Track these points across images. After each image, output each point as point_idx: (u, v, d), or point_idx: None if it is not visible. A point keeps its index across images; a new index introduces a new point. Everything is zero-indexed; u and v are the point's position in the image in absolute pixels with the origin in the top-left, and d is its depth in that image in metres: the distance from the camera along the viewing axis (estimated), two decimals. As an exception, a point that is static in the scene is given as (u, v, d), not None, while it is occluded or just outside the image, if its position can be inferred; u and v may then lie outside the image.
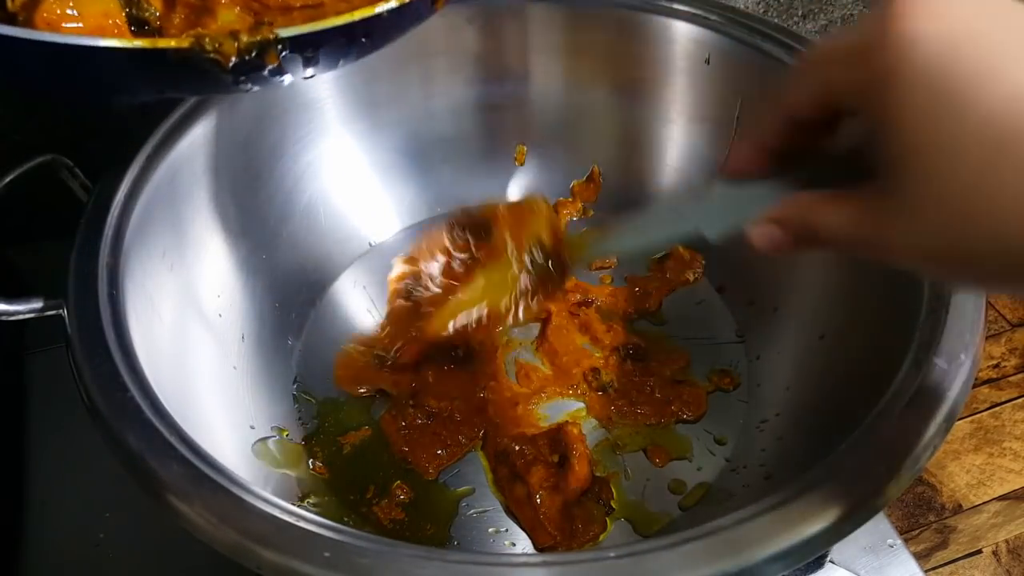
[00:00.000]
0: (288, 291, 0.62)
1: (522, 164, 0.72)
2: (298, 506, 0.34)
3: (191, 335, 0.51)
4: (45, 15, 0.29)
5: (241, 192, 0.58)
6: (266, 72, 0.30)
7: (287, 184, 0.62)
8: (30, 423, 0.61)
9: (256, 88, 0.32)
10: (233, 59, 0.29)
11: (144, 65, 0.29)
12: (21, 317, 0.42)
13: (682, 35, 0.61)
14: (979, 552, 0.89)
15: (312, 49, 0.31)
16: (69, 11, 0.29)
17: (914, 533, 0.90)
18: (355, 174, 0.67)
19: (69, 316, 0.41)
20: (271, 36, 0.29)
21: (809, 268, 0.57)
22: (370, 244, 0.69)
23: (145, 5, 0.31)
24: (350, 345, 0.61)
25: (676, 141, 0.66)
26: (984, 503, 0.93)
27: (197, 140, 0.52)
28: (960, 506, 0.93)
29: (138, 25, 0.31)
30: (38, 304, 0.42)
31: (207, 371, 0.51)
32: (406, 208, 0.70)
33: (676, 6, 0.60)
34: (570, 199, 0.71)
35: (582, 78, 0.67)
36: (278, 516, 0.33)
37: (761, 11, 0.94)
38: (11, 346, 0.65)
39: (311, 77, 0.33)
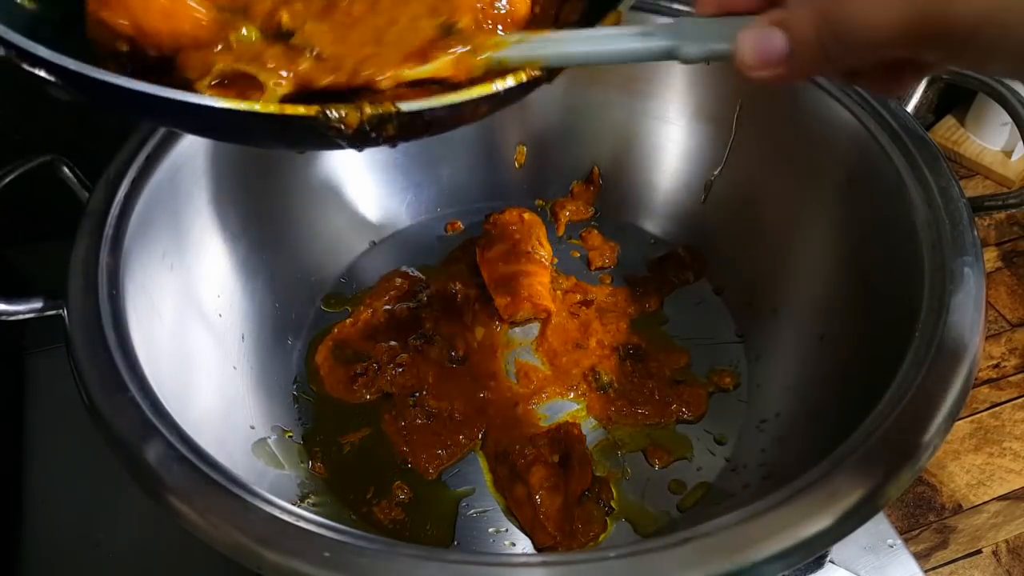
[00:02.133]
0: (288, 291, 0.62)
1: (522, 164, 0.72)
2: (298, 506, 0.34)
3: (191, 335, 0.51)
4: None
5: (241, 192, 0.58)
6: (379, 140, 0.31)
7: (287, 184, 0.62)
8: (30, 423, 0.61)
9: (351, 148, 0.33)
10: (352, 129, 0.29)
11: (268, 126, 0.30)
12: (21, 317, 0.42)
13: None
14: (979, 552, 0.89)
15: (424, 123, 0.31)
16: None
17: (914, 533, 0.90)
18: (355, 174, 0.67)
19: (69, 316, 0.41)
20: (393, 111, 0.29)
21: (809, 268, 0.57)
22: (370, 244, 0.69)
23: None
24: (325, 349, 0.61)
25: (676, 141, 0.66)
26: (984, 503, 0.93)
27: (197, 140, 0.52)
28: (960, 506, 0.93)
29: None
30: (38, 304, 0.42)
31: (207, 371, 0.51)
32: (406, 208, 0.70)
33: (676, 6, 0.60)
34: (570, 199, 0.71)
35: (582, 78, 0.67)
36: (278, 516, 0.33)
37: (761, 11, 0.94)
38: (11, 346, 0.65)
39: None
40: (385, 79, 0.31)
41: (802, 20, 0.25)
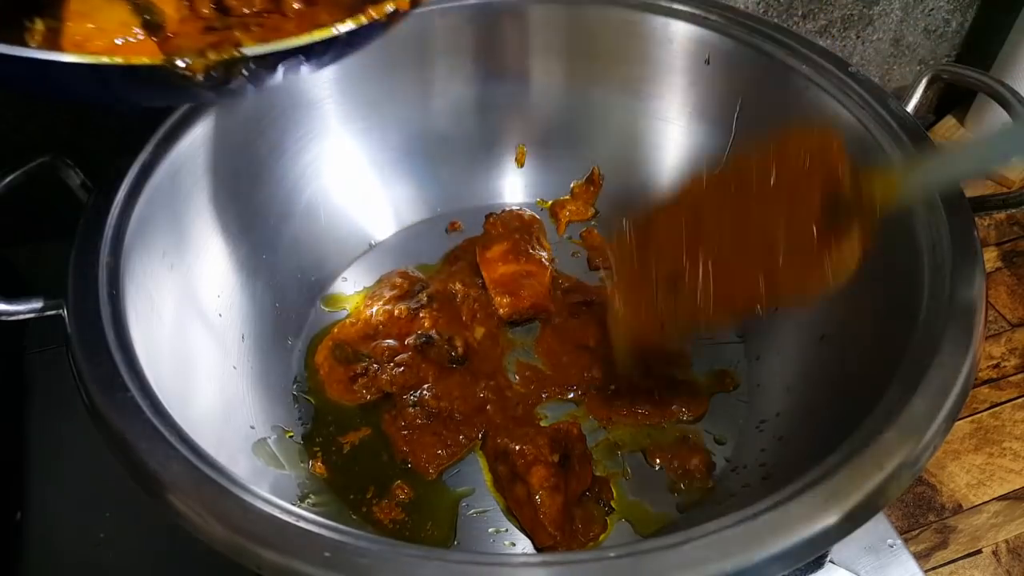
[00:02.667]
0: (288, 291, 0.62)
1: (522, 164, 0.72)
2: (298, 506, 0.34)
3: (191, 335, 0.51)
4: (74, 37, 0.30)
5: (241, 192, 0.58)
6: (232, 86, 0.32)
7: (287, 184, 0.62)
8: (30, 423, 0.61)
9: (225, 99, 0.34)
10: (200, 75, 0.31)
11: (122, 79, 0.31)
12: (21, 317, 0.42)
13: (682, 35, 0.61)
14: (979, 552, 0.89)
15: (274, 65, 0.32)
16: (90, 26, 0.31)
17: (914, 533, 0.90)
18: (355, 174, 0.67)
19: (69, 316, 0.41)
20: (236, 55, 0.31)
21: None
22: (370, 244, 0.69)
23: (156, 11, 0.33)
24: (325, 349, 0.61)
25: (676, 141, 0.66)
26: (984, 503, 0.93)
27: (197, 140, 0.52)
28: (960, 506, 0.93)
29: (153, 30, 0.33)
30: (38, 304, 0.42)
31: (207, 371, 0.51)
32: (406, 208, 0.70)
33: (676, 6, 0.60)
34: (570, 199, 0.71)
35: (582, 78, 0.67)
36: (278, 516, 0.33)
37: (761, 11, 0.94)
38: (11, 346, 0.65)
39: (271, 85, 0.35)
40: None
41: None
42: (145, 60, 0.29)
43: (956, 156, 0.35)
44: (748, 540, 0.32)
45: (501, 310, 0.61)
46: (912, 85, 0.53)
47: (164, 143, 0.50)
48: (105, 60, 0.29)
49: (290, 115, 0.61)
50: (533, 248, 0.64)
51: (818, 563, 0.48)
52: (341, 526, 0.33)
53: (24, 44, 0.31)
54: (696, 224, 0.43)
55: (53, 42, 0.31)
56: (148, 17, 0.33)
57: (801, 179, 0.39)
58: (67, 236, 0.45)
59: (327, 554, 0.31)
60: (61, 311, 0.42)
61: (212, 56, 0.30)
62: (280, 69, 0.33)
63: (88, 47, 0.31)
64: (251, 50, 0.31)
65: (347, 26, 0.33)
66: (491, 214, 0.68)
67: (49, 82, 0.32)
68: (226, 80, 0.32)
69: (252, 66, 0.31)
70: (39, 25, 0.31)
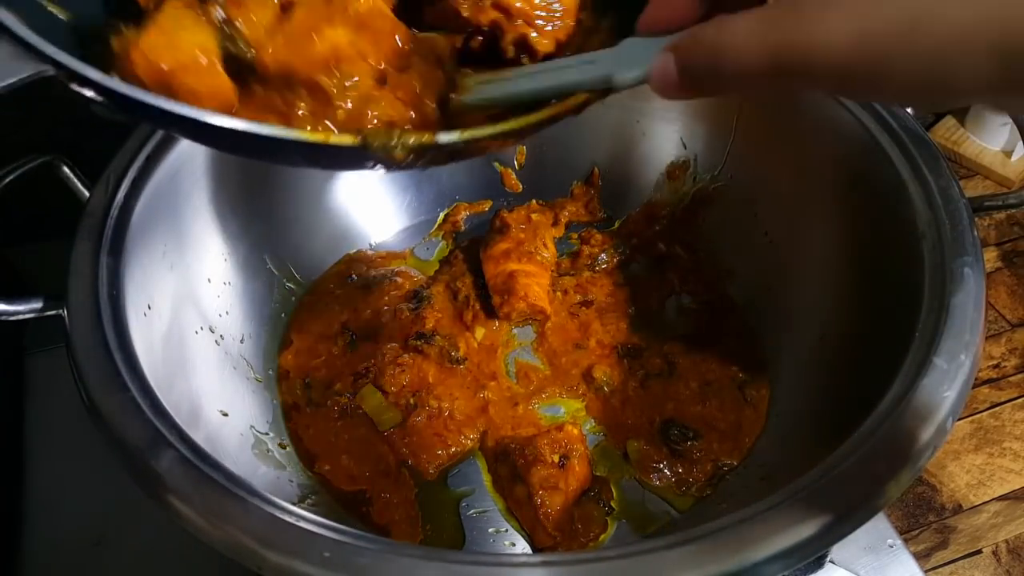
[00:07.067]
0: (288, 291, 0.62)
1: (522, 164, 0.72)
2: (298, 506, 0.34)
3: (191, 335, 0.51)
4: (143, 50, 0.30)
5: (241, 192, 0.58)
6: (409, 165, 0.31)
7: (287, 184, 0.62)
8: (30, 423, 0.61)
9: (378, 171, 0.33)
10: (398, 161, 0.30)
11: (308, 151, 0.30)
12: (21, 317, 0.42)
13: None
14: (979, 552, 0.89)
15: (454, 152, 0.32)
16: (165, 45, 0.30)
17: (914, 533, 0.90)
18: (355, 174, 0.67)
19: (69, 316, 0.41)
20: (432, 142, 0.30)
21: (809, 268, 0.57)
22: (370, 244, 0.69)
23: (244, 47, 0.32)
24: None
25: (676, 141, 0.66)
26: (984, 503, 0.93)
27: (197, 140, 0.52)
28: (960, 506, 0.93)
29: (231, 62, 0.32)
30: (38, 304, 0.42)
31: (207, 371, 0.51)
32: (406, 208, 0.70)
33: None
34: (570, 199, 0.71)
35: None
36: (278, 516, 0.33)
37: (761, 11, 0.94)
38: (11, 346, 0.65)
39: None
40: None
41: (691, 45, 0.26)
42: (346, 140, 0.29)
43: (535, 71, 0.34)
44: (748, 540, 0.32)
45: (498, 308, 0.61)
46: (912, 85, 0.53)
47: (164, 143, 0.50)
48: (311, 138, 0.29)
49: (290, 115, 0.61)
50: (536, 248, 0.64)
51: (818, 563, 0.48)
52: (341, 526, 0.33)
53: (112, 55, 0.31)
54: None
55: (124, 51, 0.30)
56: (232, 48, 0.31)
57: None
58: (67, 236, 0.45)
59: (327, 554, 0.31)
60: (61, 311, 0.42)
61: (411, 141, 0.29)
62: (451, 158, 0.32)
63: (153, 62, 0.30)
64: (446, 138, 0.30)
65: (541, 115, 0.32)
66: (500, 210, 0.68)
67: (241, 145, 0.31)
68: (409, 165, 0.31)
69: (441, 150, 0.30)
70: (127, 33, 0.31)
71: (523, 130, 0.31)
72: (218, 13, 0.31)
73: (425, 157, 0.31)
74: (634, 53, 0.29)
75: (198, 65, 0.31)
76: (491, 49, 0.37)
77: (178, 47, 0.30)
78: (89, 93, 0.28)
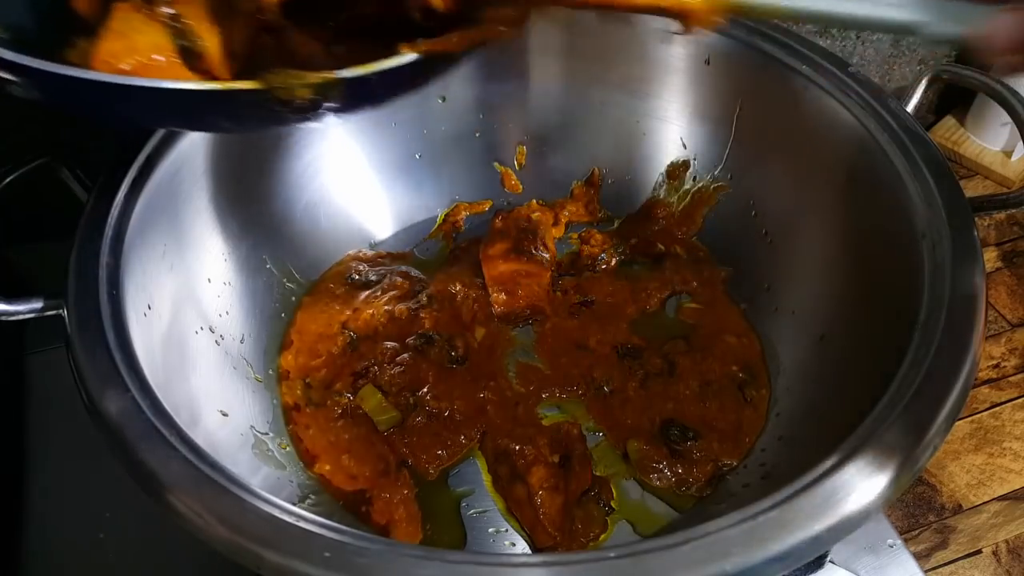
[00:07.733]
0: (288, 291, 0.62)
1: (522, 164, 0.72)
2: (298, 506, 0.34)
3: (191, 335, 0.51)
4: (104, 57, 0.30)
5: (241, 192, 0.58)
6: (323, 110, 0.32)
7: (287, 183, 0.62)
8: (30, 423, 0.61)
9: (301, 124, 0.33)
10: (297, 100, 0.30)
11: (214, 104, 0.31)
12: (21, 317, 0.42)
13: (682, 35, 0.61)
14: (979, 552, 0.89)
15: (365, 90, 0.32)
16: (121, 45, 0.31)
17: (914, 533, 0.90)
18: (355, 174, 0.67)
19: (69, 316, 0.41)
20: (333, 78, 0.30)
21: (809, 268, 0.57)
22: (370, 244, 0.69)
23: (193, 39, 0.32)
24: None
25: (676, 141, 0.66)
26: (984, 503, 0.93)
27: (197, 140, 0.52)
28: (960, 506, 0.93)
29: (188, 57, 0.32)
30: (38, 304, 0.42)
31: (207, 371, 0.51)
32: (406, 208, 0.70)
33: None
34: (570, 199, 0.71)
35: (582, 78, 0.66)
36: (278, 516, 0.33)
37: (761, 11, 0.94)
38: (11, 346, 0.65)
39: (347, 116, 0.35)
40: None
41: None
42: (246, 85, 0.29)
43: None
44: (748, 540, 0.32)
45: (496, 308, 0.61)
46: (912, 85, 0.53)
47: (164, 143, 0.50)
48: (212, 86, 0.29)
49: (290, 115, 0.61)
50: (536, 248, 0.64)
51: (818, 563, 0.48)
52: (341, 526, 0.33)
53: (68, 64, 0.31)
54: None
55: (85, 61, 0.31)
56: (185, 44, 0.32)
57: None
58: (67, 236, 0.45)
59: (327, 554, 0.31)
60: (61, 311, 0.42)
61: (312, 79, 0.30)
62: (367, 98, 0.33)
63: (115, 66, 0.31)
64: (348, 73, 0.30)
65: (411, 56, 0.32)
66: (499, 212, 0.68)
67: (125, 106, 0.32)
68: (317, 105, 0.31)
69: (345, 91, 0.31)
70: (81, 44, 0.31)
71: (429, 64, 0.32)
72: (164, 10, 0.32)
73: (331, 98, 0.31)
74: (948, 9, 0.30)
75: (158, 63, 0.31)
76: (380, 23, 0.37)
77: (136, 49, 0.31)
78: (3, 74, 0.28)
